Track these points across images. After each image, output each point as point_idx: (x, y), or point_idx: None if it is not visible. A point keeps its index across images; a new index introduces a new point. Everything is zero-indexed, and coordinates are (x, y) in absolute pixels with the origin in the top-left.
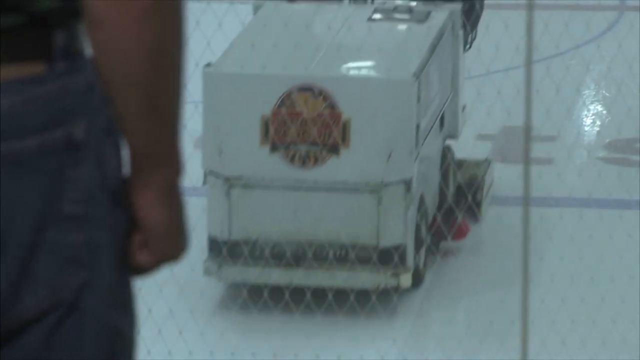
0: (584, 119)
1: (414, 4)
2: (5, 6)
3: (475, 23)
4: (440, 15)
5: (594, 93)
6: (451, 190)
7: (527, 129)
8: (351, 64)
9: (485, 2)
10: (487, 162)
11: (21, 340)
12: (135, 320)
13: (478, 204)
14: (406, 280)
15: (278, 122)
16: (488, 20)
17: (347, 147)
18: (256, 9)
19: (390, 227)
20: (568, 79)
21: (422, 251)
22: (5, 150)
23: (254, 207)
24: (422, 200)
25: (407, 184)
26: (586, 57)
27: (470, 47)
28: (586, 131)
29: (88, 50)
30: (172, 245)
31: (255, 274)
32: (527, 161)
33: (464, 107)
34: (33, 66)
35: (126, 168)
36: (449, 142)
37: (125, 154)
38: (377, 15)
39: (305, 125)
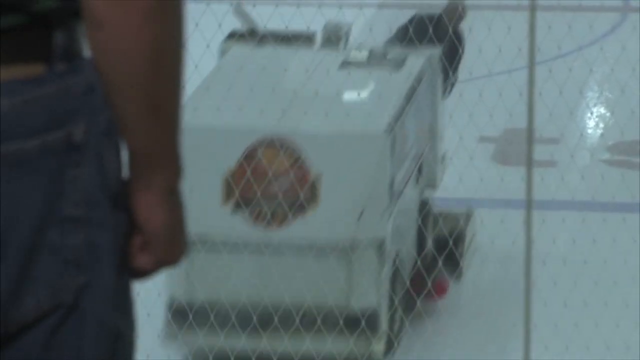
0: (587, 121)
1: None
2: (5, 6)
3: (456, 66)
4: (417, 60)
5: (597, 95)
6: (429, 244)
7: (530, 131)
8: (321, 117)
9: (488, 3)
10: (468, 214)
11: (21, 342)
12: (134, 322)
13: (457, 260)
14: (379, 347)
15: (242, 179)
16: (490, 21)
17: (315, 205)
18: (222, 52)
19: (362, 290)
20: (571, 81)
21: (397, 315)
22: (5, 151)
23: (217, 269)
24: (396, 258)
25: (380, 244)
26: (589, 59)
27: (450, 92)
28: (589, 133)
29: (88, 51)
30: (172, 248)
31: (220, 340)
32: (529, 164)
33: (443, 156)
34: (33, 67)
35: (126, 170)
36: (427, 194)
37: (125, 155)
38: (350, 62)
39: (271, 182)
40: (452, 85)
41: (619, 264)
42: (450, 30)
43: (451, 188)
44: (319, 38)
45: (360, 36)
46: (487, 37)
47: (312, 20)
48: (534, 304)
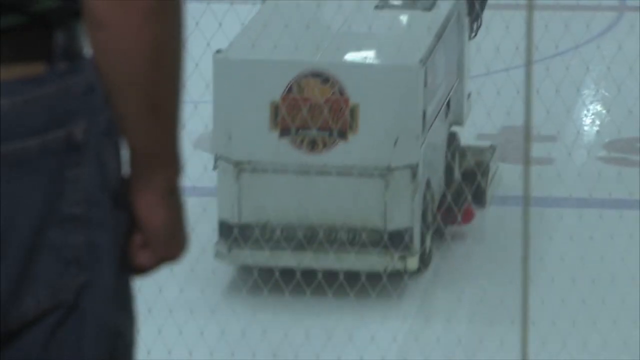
0: (584, 119)
1: None
2: (5, 6)
3: (480, 10)
4: (445, 3)
5: (594, 93)
6: (457, 175)
7: (527, 129)
8: (359, 51)
9: (487, 3)
10: (492, 149)
11: (21, 341)
12: (135, 321)
13: (483, 190)
14: (413, 263)
15: (287, 107)
16: (488, 20)
17: (355, 132)
18: None
19: (398, 211)
20: (568, 79)
21: (429, 235)
22: (5, 151)
23: (264, 191)
24: (428, 185)
25: (414, 169)
26: (586, 57)
27: (475, 34)
28: (586, 131)
29: (88, 50)
30: (172, 246)
31: (266, 256)
32: (527, 161)
33: (469, 95)
34: (33, 66)
35: (126, 169)
36: (454, 128)
37: (125, 154)
38: (385, 4)
39: (314, 110)
40: (478, 28)
41: (617, 261)
42: None
43: None
44: None
45: None
46: (485, 35)
47: None
48: (532, 301)
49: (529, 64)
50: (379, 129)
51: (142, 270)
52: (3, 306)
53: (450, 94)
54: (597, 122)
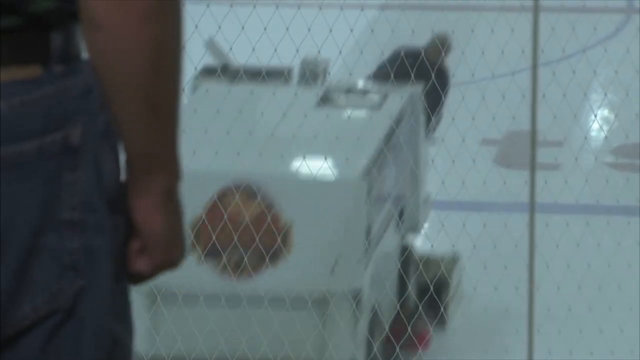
0: (591, 124)
1: (369, 85)
2: (2, 8)
3: (441, 105)
4: (398, 99)
5: (601, 97)
6: (411, 294)
7: (533, 134)
8: (295, 160)
9: (491, 3)
10: (454, 260)
11: (19, 346)
12: (132, 327)
13: (444, 309)
14: None
15: (209, 225)
16: (493, 22)
17: (288, 254)
18: (194, 88)
19: (338, 342)
20: (574, 83)
21: None
22: (3, 153)
23: (182, 322)
24: (375, 310)
25: (357, 294)
26: (593, 61)
27: (434, 131)
28: (593, 136)
29: (85, 52)
30: (171, 252)
31: None
32: (532, 167)
33: (427, 198)
34: (30, 68)
35: (124, 172)
36: (409, 239)
37: (123, 158)
38: (328, 100)
39: (240, 229)
40: (438, 122)
41: (624, 268)
42: (435, 65)
43: (453, 192)
44: (295, 74)
45: (339, 71)
46: (490, 38)
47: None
48: (537, 309)
49: (534, 67)
50: (315, 250)
51: (140, 276)
52: (1, 309)
53: (404, 201)
54: (605, 127)
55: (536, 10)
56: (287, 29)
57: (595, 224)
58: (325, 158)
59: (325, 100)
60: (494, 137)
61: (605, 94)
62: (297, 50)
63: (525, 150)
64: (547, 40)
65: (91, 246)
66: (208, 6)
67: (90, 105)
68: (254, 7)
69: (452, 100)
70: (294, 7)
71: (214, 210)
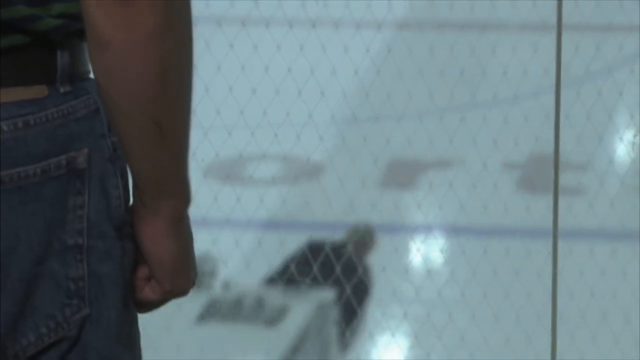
0: (617, 146)
1: (266, 292)
2: (6, 25)
3: (362, 309)
4: (301, 311)
5: (627, 119)
6: None
7: (557, 157)
8: None
9: (512, 22)
10: None
11: None
12: (140, 356)
13: None
14: None
15: None
16: (515, 42)
17: None
18: None
19: None
20: (599, 104)
21: None
22: (5, 177)
23: None
24: None
25: None
26: (619, 81)
27: (351, 344)
28: (619, 159)
29: (91, 73)
30: (180, 279)
31: None
32: (556, 191)
33: None
34: (35, 89)
35: (131, 197)
36: None
37: (131, 182)
38: (207, 313)
39: None
40: (360, 325)
41: None
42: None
43: (475, 217)
44: None
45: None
46: (512, 58)
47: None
48: (560, 340)
49: (558, 88)
50: None
51: (148, 304)
52: (3, 340)
53: None
54: (631, 150)
55: (559, 28)
56: (302, 47)
57: (621, 250)
58: None
59: (205, 314)
60: (517, 160)
61: (632, 116)
62: (312, 71)
63: (548, 173)
64: (571, 60)
65: (97, 273)
66: (219, 25)
67: (96, 127)
68: (267, 26)
69: (472, 122)
70: (308, 25)
71: None
